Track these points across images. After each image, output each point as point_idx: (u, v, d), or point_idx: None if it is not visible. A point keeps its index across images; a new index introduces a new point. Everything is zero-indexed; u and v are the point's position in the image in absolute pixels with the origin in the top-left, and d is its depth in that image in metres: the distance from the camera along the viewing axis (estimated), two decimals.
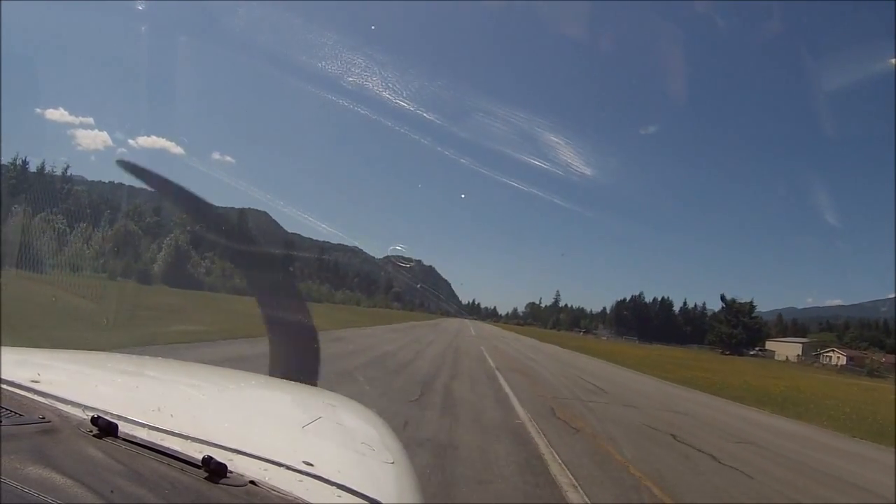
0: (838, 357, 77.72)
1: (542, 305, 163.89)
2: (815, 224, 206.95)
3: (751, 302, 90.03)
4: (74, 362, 1.71)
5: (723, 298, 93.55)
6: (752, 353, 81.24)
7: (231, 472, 0.87)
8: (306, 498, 0.87)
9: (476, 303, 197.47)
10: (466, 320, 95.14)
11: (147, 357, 2.16)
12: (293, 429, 1.33)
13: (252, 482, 0.87)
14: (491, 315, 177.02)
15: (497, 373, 15.51)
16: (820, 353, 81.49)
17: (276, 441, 1.15)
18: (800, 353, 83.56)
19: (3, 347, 1.53)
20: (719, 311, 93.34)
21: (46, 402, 1.07)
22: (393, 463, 1.23)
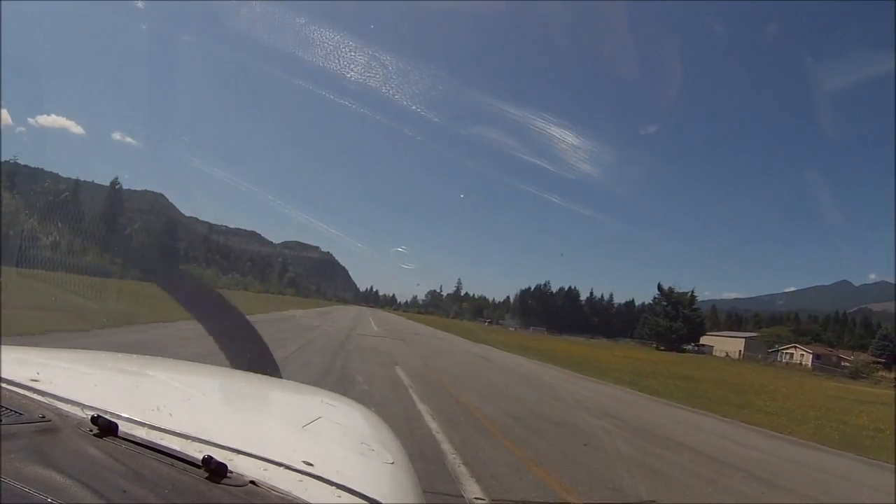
0: (801, 354, 70.20)
1: (443, 294, 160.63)
2: (714, 222, 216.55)
3: (692, 292, 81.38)
4: (74, 361, 1.71)
5: (660, 288, 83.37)
6: (688, 348, 73.07)
7: (231, 472, 0.87)
8: (306, 498, 0.87)
9: (374, 290, 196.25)
10: (365, 308, 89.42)
11: (147, 357, 2.14)
12: (293, 429, 1.34)
13: (252, 482, 0.87)
14: (389, 303, 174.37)
15: None
16: (778, 350, 73.67)
17: (276, 441, 1.16)
18: (742, 348, 75.81)
19: (3, 347, 1.51)
20: (654, 302, 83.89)
21: (46, 401, 1.07)
22: (393, 463, 1.24)
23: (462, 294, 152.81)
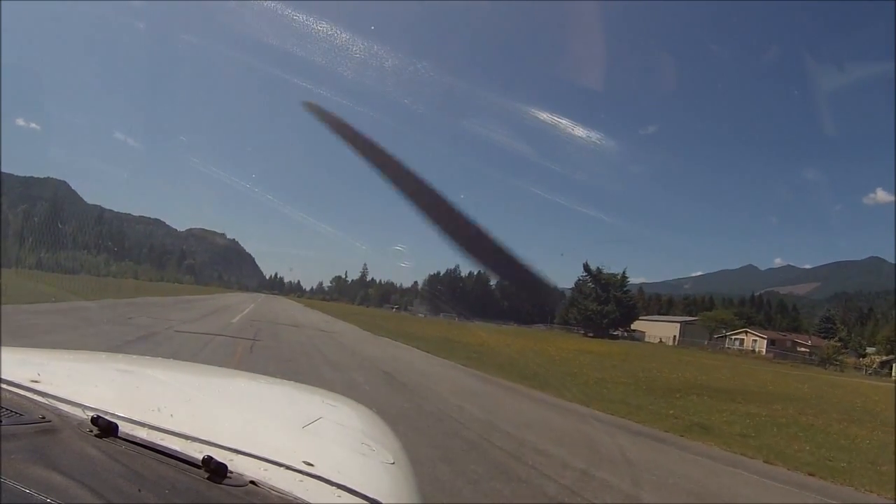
0: (754, 340, 63.67)
1: (349, 280, 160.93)
2: (620, 207, 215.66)
3: (623, 273, 74.15)
4: (74, 362, 1.72)
5: (587, 268, 74.70)
6: (617, 333, 67.24)
7: (231, 472, 0.88)
8: (306, 498, 0.87)
9: (279, 277, 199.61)
10: (261, 296, 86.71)
11: (147, 357, 2.11)
12: (293, 429, 1.34)
13: (252, 482, 0.87)
14: (295, 290, 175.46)
15: None
16: (726, 336, 67.00)
17: (276, 441, 1.16)
18: (677, 334, 70.20)
19: (3, 347, 1.51)
20: (581, 284, 76.12)
21: (46, 401, 1.06)
22: (393, 463, 1.24)
23: (368, 280, 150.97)
